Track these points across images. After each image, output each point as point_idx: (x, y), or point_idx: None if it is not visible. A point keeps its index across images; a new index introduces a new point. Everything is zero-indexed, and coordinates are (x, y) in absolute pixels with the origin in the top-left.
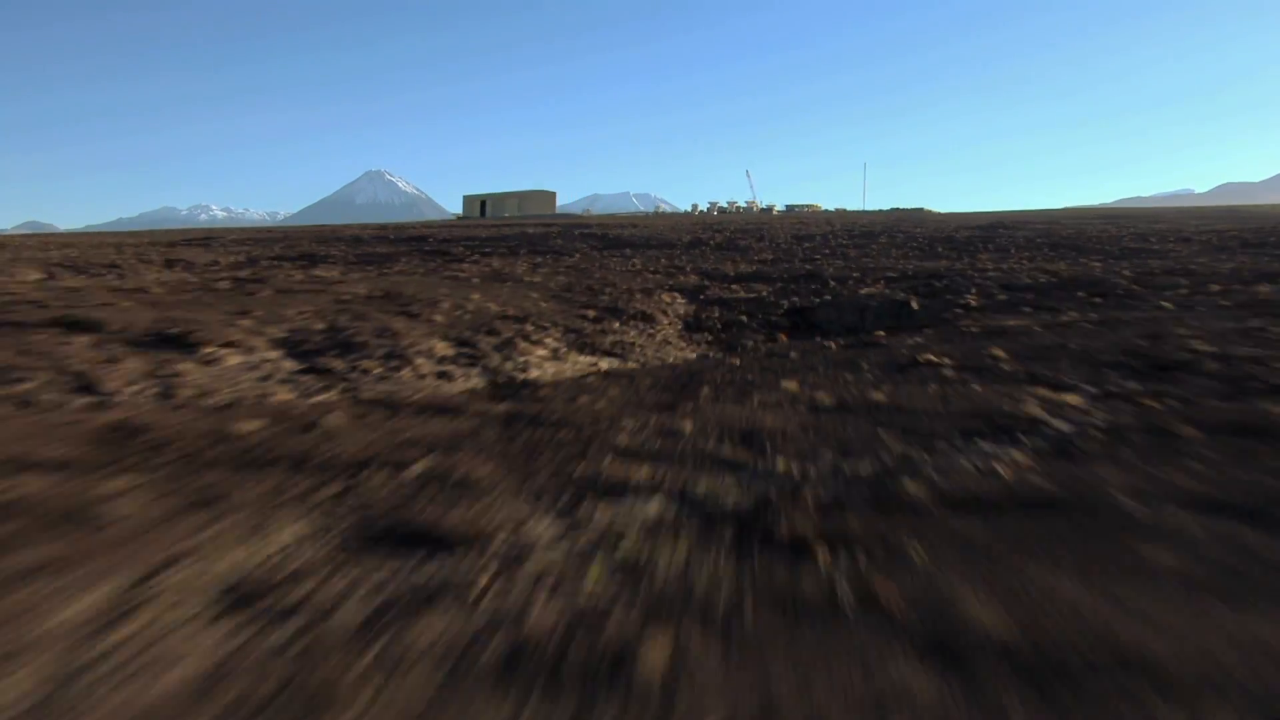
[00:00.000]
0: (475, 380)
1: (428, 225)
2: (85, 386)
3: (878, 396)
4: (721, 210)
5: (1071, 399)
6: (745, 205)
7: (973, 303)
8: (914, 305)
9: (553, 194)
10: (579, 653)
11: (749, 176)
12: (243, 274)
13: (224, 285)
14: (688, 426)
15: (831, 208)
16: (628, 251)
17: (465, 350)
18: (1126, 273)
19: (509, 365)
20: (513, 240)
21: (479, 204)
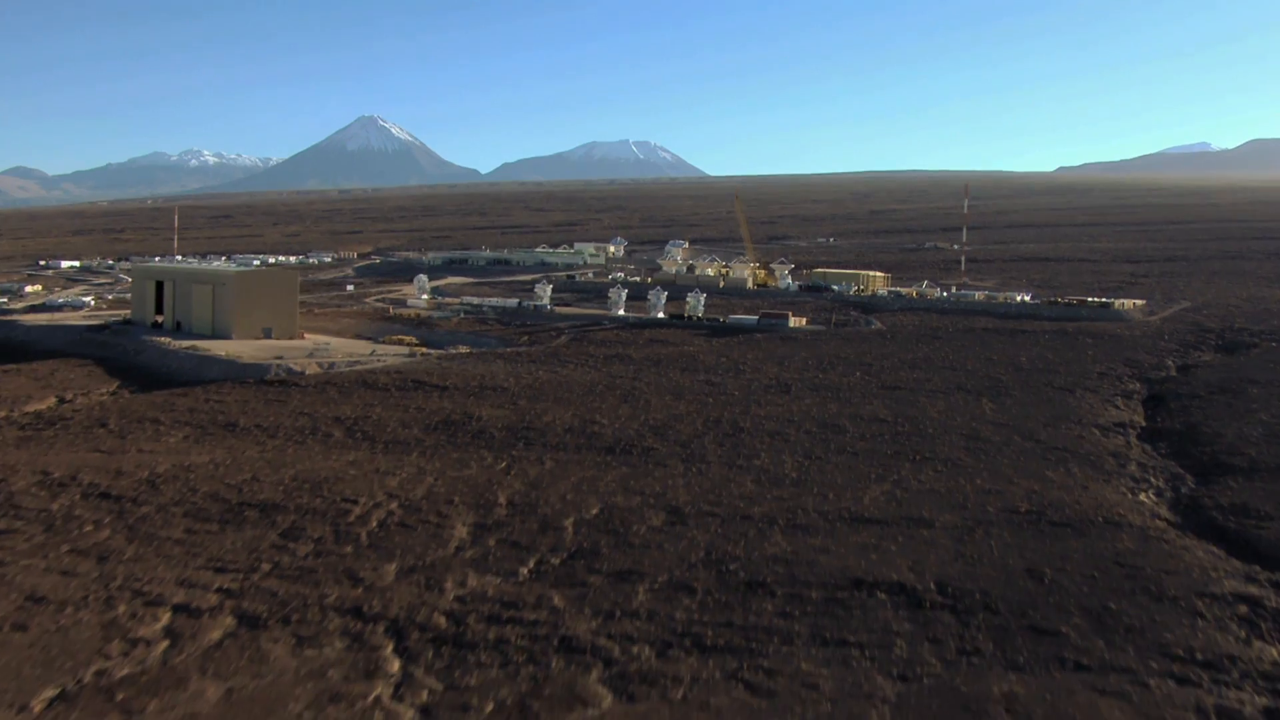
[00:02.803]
0: None
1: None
2: None
3: None
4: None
5: None
6: (719, 269)
7: None
8: None
9: (291, 274)
10: None
11: (739, 209)
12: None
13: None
14: None
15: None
16: None
17: None
18: None
19: None
20: None
21: (154, 288)
